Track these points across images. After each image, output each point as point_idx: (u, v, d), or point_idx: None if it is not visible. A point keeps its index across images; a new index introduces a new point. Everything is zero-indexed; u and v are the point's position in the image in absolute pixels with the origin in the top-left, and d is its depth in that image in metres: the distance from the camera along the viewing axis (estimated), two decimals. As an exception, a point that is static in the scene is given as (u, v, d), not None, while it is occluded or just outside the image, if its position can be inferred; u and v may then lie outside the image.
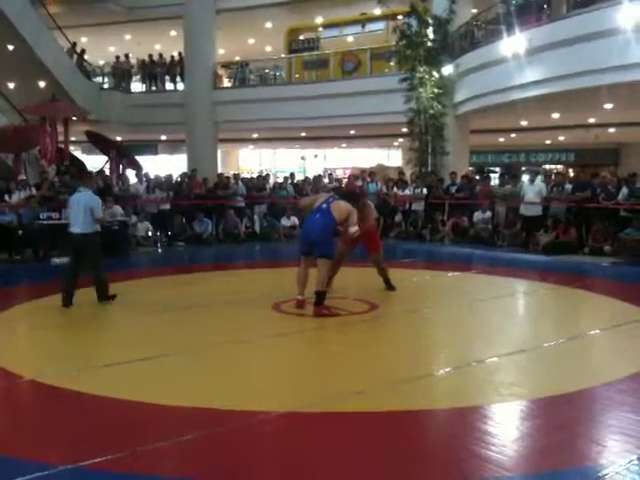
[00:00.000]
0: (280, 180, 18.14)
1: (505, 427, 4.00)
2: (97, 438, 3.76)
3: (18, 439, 3.82)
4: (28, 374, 4.94)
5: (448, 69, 17.08)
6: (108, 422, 4.05)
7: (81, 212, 7.53)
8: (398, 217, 15.96)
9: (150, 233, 14.43)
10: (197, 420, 4.02)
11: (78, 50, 22.87)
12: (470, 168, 20.05)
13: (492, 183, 16.16)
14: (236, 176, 17.09)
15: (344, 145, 28.24)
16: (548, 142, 25.63)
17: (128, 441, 3.67)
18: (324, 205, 7.20)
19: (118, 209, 13.00)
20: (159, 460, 3.51)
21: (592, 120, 19.61)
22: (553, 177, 15.01)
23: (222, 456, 3.54)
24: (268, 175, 19.60)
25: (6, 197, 12.57)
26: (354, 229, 7.11)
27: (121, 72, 23.84)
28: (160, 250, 14.19)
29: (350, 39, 23.45)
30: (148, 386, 4.67)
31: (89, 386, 4.59)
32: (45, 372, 4.94)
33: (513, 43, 13.91)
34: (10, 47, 18.67)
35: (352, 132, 23.51)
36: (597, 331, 6.49)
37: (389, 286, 8.36)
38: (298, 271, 7.30)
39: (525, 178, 15.21)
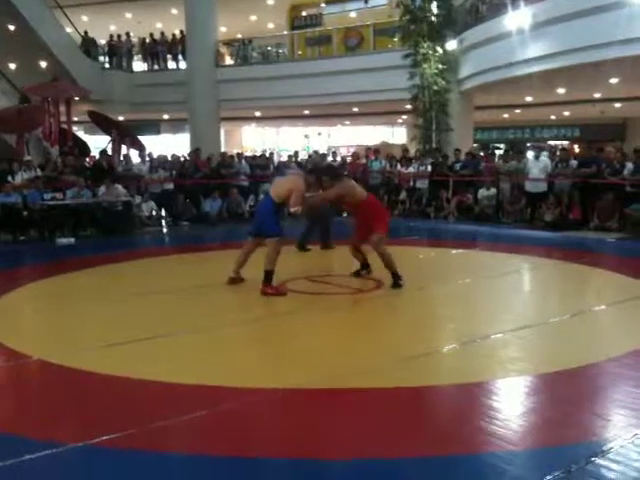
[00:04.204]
0: (284, 159, 18.10)
1: (510, 402, 4.02)
2: (105, 416, 3.79)
3: (27, 418, 3.85)
4: (35, 354, 4.97)
5: (452, 44, 16.95)
6: (116, 400, 4.08)
7: None
8: (402, 195, 15.92)
9: (154, 213, 14.45)
10: (205, 398, 4.04)
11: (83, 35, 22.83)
12: (474, 145, 19.97)
13: (496, 159, 16.07)
14: (239, 155, 17.04)
15: (348, 123, 28.12)
16: (553, 118, 25.46)
17: (136, 419, 3.69)
18: (269, 186, 7.31)
19: (121, 189, 12.99)
20: (168, 437, 3.53)
21: (597, 95, 19.47)
22: (558, 153, 14.93)
23: (230, 432, 3.57)
24: (272, 154, 19.52)
25: (9, 178, 12.57)
26: (293, 209, 6.97)
27: (120, 51, 23.69)
28: (164, 230, 14.22)
29: (353, 15, 23.27)
30: (154, 365, 4.69)
31: (95, 365, 4.62)
32: (52, 352, 4.97)
33: (517, 18, 13.79)
34: (11, 27, 18.59)
35: (355, 109, 23.38)
36: (602, 306, 6.49)
37: (395, 282, 7.20)
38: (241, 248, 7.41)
39: (530, 154, 15.14)
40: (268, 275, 6.95)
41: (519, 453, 3.32)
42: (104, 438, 3.42)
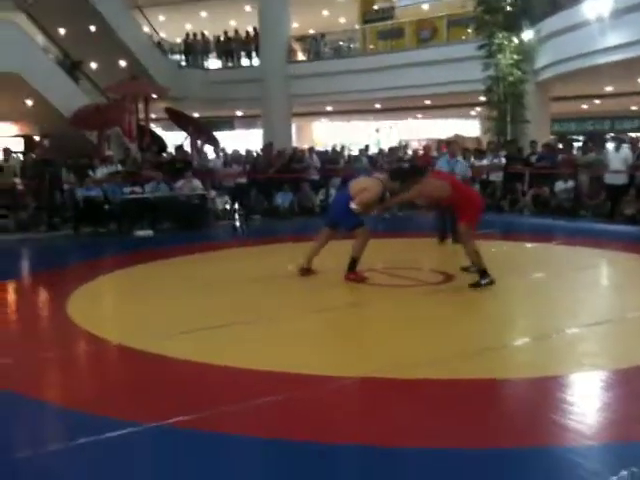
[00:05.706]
0: (355, 153, 18.10)
1: (585, 397, 3.93)
2: (182, 398, 3.92)
3: (109, 399, 4.02)
4: (115, 339, 5.18)
5: (528, 34, 16.52)
6: (191, 384, 4.22)
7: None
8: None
9: (228, 206, 14.72)
10: (276, 384, 4.12)
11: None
12: (552, 137, 19.43)
13: (574, 151, 15.57)
14: (310, 150, 17.14)
15: (419, 116, 27.84)
16: (634, 108, 24.49)
17: (211, 402, 3.81)
18: (350, 182, 7.54)
19: (197, 183, 13.30)
20: (241, 420, 3.62)
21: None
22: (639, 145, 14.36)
23: (301, 418, 3.64)
24: (343, 148, 19.45)
25: (90, 172, 13.07)
26: (354, 206, 7.09)
27: (196, 49, 24.19)
28: (238, 223, 14.47)
29: (426, 7, 22.99)
30: (229, 351, 4.81)
31: (173, 350, 4.77)
32: (131, 337, 5.16)
33: (597, 5, 13.32)
34: (92, 28, 19.23)
35: (427, 102, 23.11)
36: (685, 302, 6.23)
37: (479, 280, 6.70)
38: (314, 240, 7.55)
39: (610, 146, 14.61)
40: (354, 262, 7.17)
41: (594, 447, 3.25)
42: (178, 419, 3.54)
